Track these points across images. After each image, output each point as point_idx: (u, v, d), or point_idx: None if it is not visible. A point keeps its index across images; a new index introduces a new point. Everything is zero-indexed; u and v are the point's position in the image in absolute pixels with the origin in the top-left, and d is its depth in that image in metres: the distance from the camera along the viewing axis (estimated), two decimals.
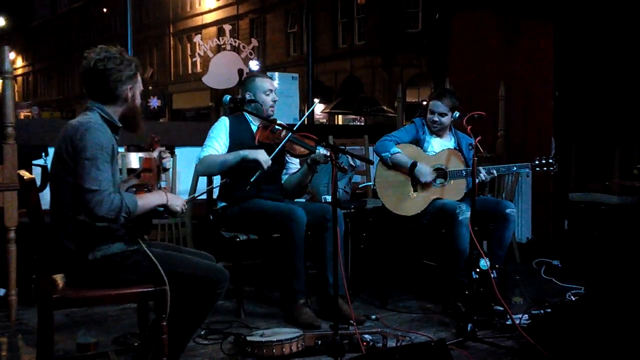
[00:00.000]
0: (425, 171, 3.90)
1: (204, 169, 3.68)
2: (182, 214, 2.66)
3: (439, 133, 4.09)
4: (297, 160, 3.88)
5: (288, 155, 3.80)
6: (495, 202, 4.00)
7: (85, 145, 2.34)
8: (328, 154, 3.32)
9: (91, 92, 2.52)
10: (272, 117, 3.74)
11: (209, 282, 2.54)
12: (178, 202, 2.55)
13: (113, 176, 2.43)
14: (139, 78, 2.58)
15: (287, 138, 3.58)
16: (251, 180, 3.47)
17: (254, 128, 3.78)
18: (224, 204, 3.77)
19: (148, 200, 2.48)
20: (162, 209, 2.52)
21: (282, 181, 3.89)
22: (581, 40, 5.44)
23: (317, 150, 3.51)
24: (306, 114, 3.88)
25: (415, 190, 3.95)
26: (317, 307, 3.69)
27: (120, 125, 2.57)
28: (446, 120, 4.02)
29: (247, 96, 3.74)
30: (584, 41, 5.44)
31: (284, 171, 3.90)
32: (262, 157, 3.50)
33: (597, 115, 5.49)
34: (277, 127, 3.61)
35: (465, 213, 3.68)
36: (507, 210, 3.80)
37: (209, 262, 2.69)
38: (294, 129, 3.61)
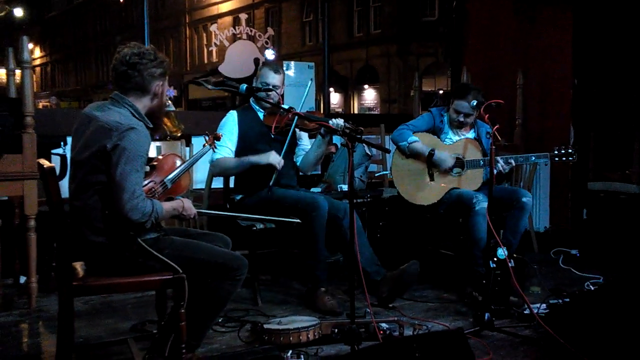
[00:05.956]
0: (444, 157, 3.87)
1: (218, 173, 3.86)
2: (194, 219, 2.79)
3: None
4: (307, 139, 3.90)
5: (299, 131, 3.81)
6: (512, 190, 3.96)
7: (126, 146, 2.34)
8: (342, 123, 3.32)
9: (122, 85, 2.51)
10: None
11: (228, 269, 2.55)
12: (192, 211, 2.65)
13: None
14: (166, 79, 2.59)
15: (296, 116, 3.61)
16: (270, 184, 3.56)
17: (262, 116, 3.80)
18: (240, 195, 3.78)
19: (170, 206, 2.57)
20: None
21: (298, 163, 3.91)
22: (600, 27, 5.35)
23: (329, 121, 3.48)
24: (303, 99, 3.83)
25: (432, 180, 3.93)
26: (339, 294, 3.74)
27: (152, 126, 2.57)
28: (471, 119, 3.97)
29: (260, 85, 3.75)
30: (604, 27, 5.35)
31: (297, 152, 3.91)
32: (274, 159, 3.56)
33: (617, 103, 5.41)
34: (281, 110, 3.63)
35: (481, 203, 3.66)
36: (524, 199, 3.76)
37: (227, 250, 2.71)
38: (298, 111, 3.62)
